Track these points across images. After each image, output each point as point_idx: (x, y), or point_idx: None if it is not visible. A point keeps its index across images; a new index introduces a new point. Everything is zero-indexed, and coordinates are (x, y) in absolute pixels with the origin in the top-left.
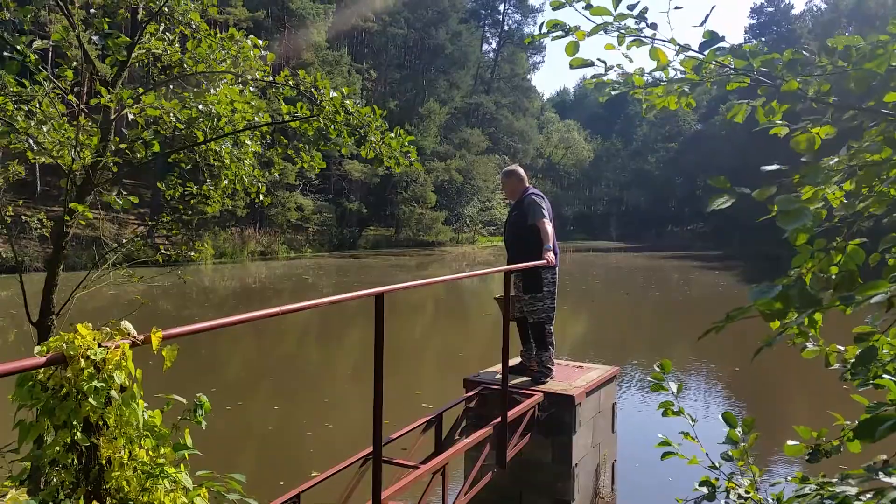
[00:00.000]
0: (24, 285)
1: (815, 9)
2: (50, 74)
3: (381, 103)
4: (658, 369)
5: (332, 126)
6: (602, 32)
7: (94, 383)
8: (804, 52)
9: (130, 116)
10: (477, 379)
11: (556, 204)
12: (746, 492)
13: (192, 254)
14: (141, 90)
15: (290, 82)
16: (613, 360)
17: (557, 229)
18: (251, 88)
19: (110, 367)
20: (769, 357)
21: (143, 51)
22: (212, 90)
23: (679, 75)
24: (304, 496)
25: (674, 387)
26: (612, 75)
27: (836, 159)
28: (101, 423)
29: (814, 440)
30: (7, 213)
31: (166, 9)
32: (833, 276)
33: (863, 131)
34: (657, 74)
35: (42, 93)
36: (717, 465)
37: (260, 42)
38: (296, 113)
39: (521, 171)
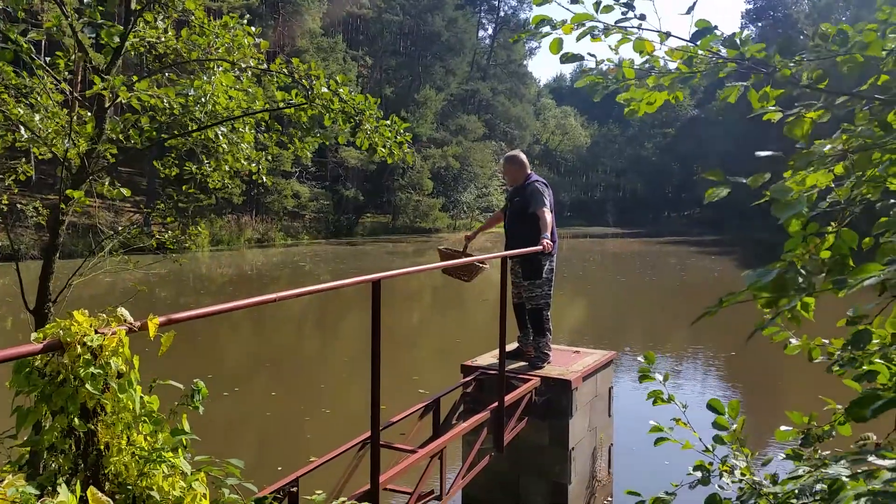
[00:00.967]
0: (20, 273)
1: None
2: (43, 63)
3: (376, 90)
4: (643, 360)
5: (328, 114)
6: (585, 25)
7: (91, 369)
8: (800, 37)
9: (125, 101)
10: (474, 364)
11: (552, 190)
12: (742, 473)
13: (188, 241)
14: (135, 77)
15: (285, 69)
16: (610, 345)
17: (555, 216)
18: (248, 74)
19: (107, 353)
20: (764, 341)
21: (138, 39)
22: (205, 77)
23: (668, 65)
24: (303, 480)
25: (660, 377)
26: (603, 66)
27: (829, 145)
28: (98, 408)
29: (806, 425)
30: (3, 202)
31: None
32: (825, 261)
33: (854, 116)
34: (647, 67)
35: (41, 86)
36: (710, 448)
37: (253, 29)
38: (290, 100)
39: (523, 156)
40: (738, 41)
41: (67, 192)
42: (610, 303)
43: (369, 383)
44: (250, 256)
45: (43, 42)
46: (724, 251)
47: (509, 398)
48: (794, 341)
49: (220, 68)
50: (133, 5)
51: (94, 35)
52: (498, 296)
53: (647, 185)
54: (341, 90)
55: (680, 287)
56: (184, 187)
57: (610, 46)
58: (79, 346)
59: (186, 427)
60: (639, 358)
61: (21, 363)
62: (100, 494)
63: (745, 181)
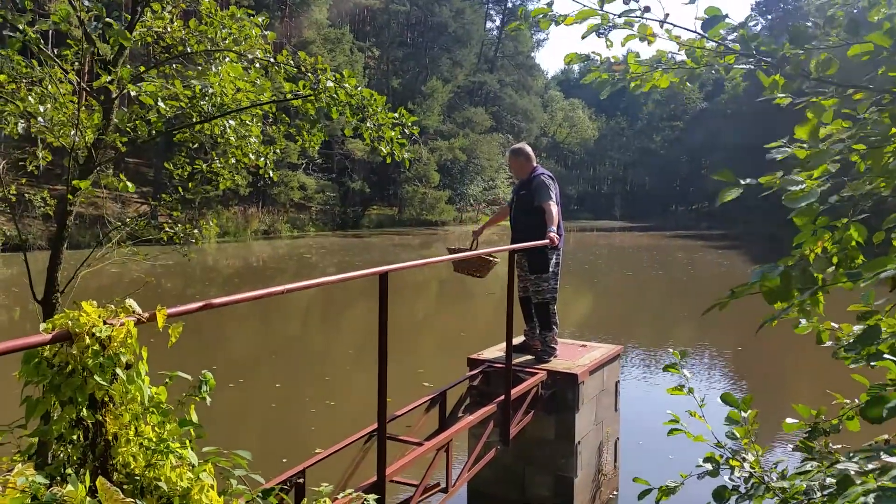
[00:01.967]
0: (28, 263)
1: None
2: (51, 54)
3: (383, 82)
4: (673, 352)
5: (335, 106)
6: (591, 22)
7: (100, 360)
8: (808, 26)
9: (133, 94)
10: (481, 357)
11: (560, 183)
12: (752, 467)
13: (196, 233)
14: (142, 68)
15: (291, 61)
16: (617, 339)
17: (562, 209)
18: (256, 66)
19: (115, 344)
20: (772, 335)
21: (145, 29)
22: (213, 68)
23: (675, 56)
24: (309, 471)
25: (688, 373)
26: (608, 59)
27: (836, 137)
28: (106, 399)
29: (813, 419)
30: (10, 192)
31: None
32: (834, 254)
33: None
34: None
35: (50, 76)
36: (721, 443)
37: (260, 20)
38: (297, 91)
39: (529, 149)
40: (744, 37)
41: (74, 182)
42: (617, 297)
43: (374, 376)
44: (257, 248)
45: (50, 32)
46: (732, 245)
47: (516, 392)
48: (803, 322)
49: (227, 59)
50: None
51: (100, 27)
52: (504, 289)
53: (655, 178)
54: (347, 84)
55: (688, 281)
56: (191, 185)
57: (608, 43)
58: (87, 337)
59: (194, 418)
60: (646, 352)
61: (30, 353)
62: (109, 485)
63: (756, 182)
